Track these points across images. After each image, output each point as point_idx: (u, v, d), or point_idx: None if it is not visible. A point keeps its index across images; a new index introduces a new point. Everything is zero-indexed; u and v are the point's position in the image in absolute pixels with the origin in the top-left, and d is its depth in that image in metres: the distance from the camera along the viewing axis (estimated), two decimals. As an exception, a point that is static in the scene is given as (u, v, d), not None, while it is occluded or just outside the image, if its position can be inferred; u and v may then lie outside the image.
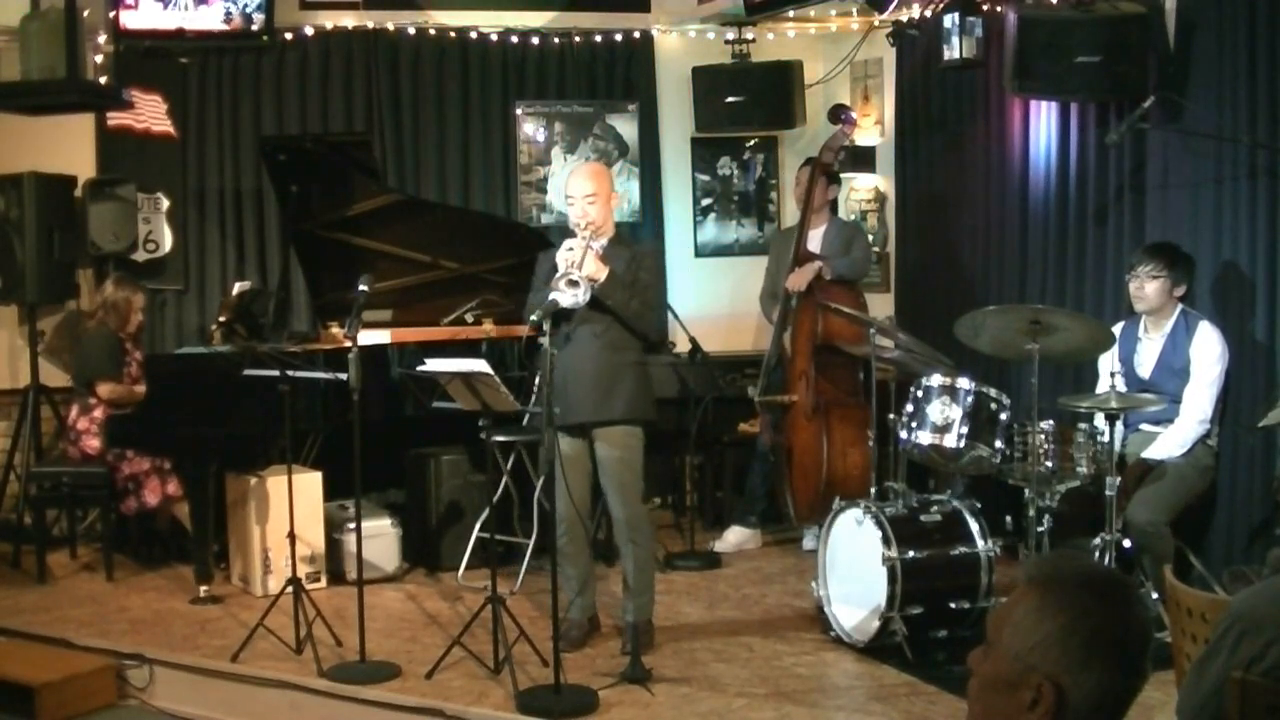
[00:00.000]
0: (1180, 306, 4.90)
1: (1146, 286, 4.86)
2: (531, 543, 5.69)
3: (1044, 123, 5.85)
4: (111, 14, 6.41)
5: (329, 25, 7.02)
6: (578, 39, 7.33)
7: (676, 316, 6.70)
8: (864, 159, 7.22)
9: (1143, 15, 5.13)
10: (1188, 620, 3.05)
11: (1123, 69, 5.10)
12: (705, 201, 7.70)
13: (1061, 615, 1.64)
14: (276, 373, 4.86)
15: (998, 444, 4.76)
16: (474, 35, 7.19)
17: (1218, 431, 4.89)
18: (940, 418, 4.79)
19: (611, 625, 4.96)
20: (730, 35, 7.30)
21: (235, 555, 5.80)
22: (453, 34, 7.16)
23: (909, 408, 4.89)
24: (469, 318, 6.10)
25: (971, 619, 4.69)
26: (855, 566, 4.73)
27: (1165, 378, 4.87)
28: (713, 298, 7.49)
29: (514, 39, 7.24)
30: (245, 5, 6.55)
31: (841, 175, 6.59)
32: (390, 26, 7.08)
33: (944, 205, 6.64)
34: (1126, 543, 4.60)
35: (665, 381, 6.45)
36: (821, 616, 4.92)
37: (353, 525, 5.01)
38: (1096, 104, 5.48)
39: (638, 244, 5.13)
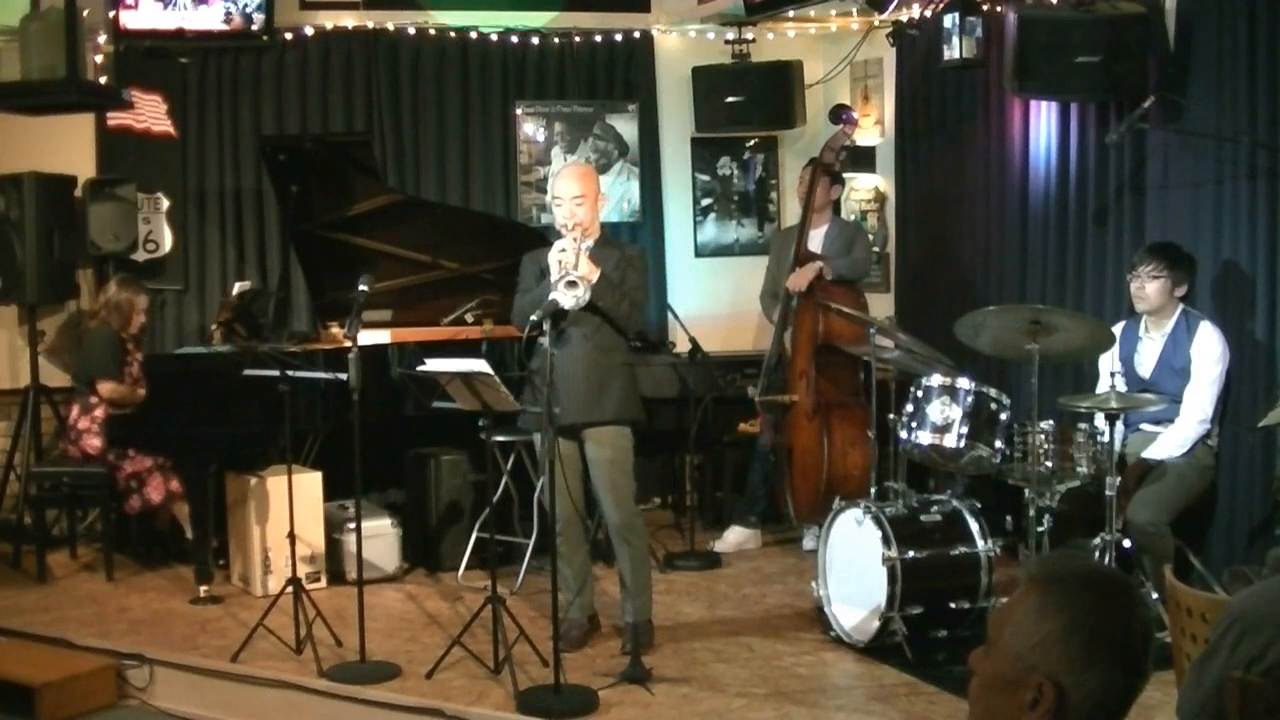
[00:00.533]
0: (1181, 306, 4.90)
1: (1147, 286, 4.86)
2: (531, 543, 5.70)
3: (1044, 123, 5.85)
4: (111, 14, 6.41)
5: (329, 25, 7.02)
6: (578, 39, 7.33)
7: (676, 316, 6.71)
8: (864, 159, 7.22)
9: (1143, 15, 5.13)
10: (1188, 620, 3.05)
11: (1123, 69, 5.10)
12: (705, 201, 7.70)
13: (1062, 615, 1.64)
14: (276, 373, 4.86)
15: (998, 444, 4.76)
16: (474, 35, 7.19)
17: (1218, 431, 4.89)
18: (940, 418, 4.79)
19: (611, 625, 4.96)
20: (730, 35, 7.30)
21: (235, 555, 5.81)
22: (453, 34, 7.16)
23: (909, 408, 4.89)
24: (469, 318, 6.09)
25: (971, 619, 4.69)
26: (855, 566, 4.73)
27: (1166, 378, 4.87)
28: (713, 298, 7.49)
29: (514, 39, 7.24)
30: (245, 5, 6.54)
31: (843, 175, 6.58)
32: (390, 26, 7.08)
33: (944, 205, 6.64)
34: (1126, 543, 4.60)
35: (665, 381, 6.46)
36: (821, 616, 4.92)
37: (353, 525, 5.01)
38: (1096, 104, 5.48)
39: (624, 245, 5.14)
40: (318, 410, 5.55)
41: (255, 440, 5.64)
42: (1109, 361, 4.87)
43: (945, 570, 4.68)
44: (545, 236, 5.32)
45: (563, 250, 4.49)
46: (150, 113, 6.75)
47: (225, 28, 6.56)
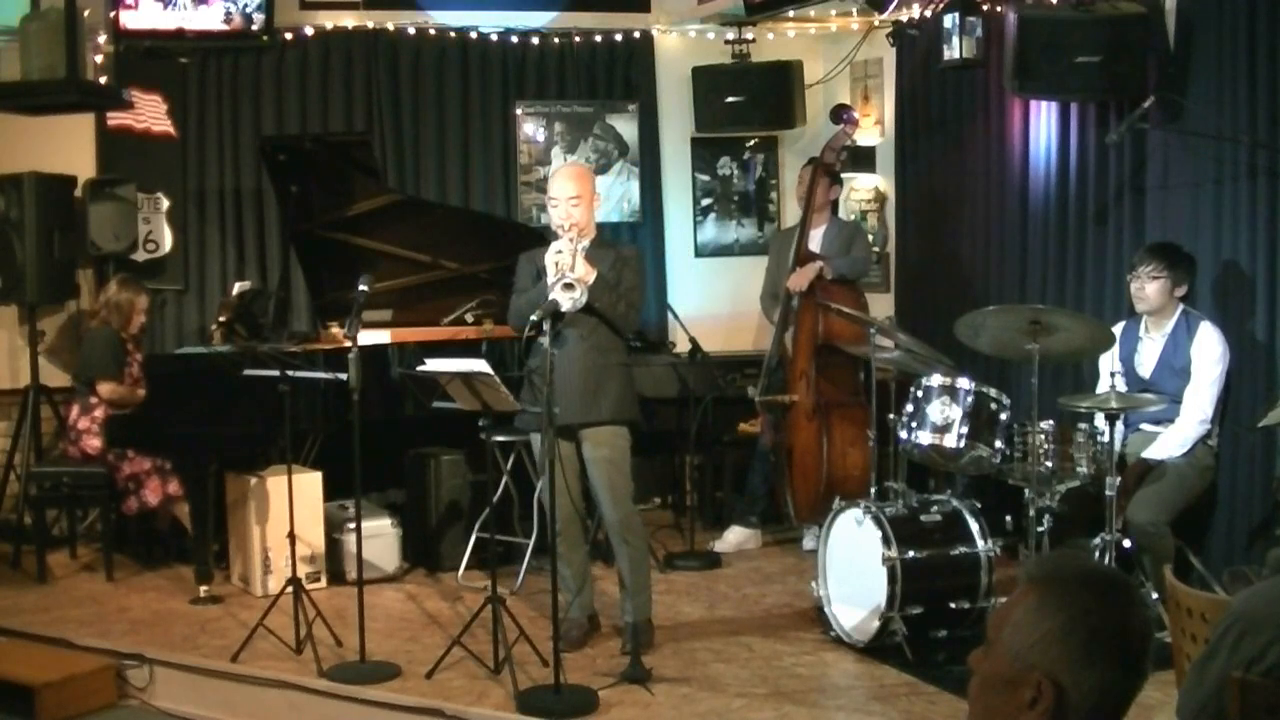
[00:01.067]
0: (1181, 307, 4.90)
1: (1147, 287, 4.86)
2: (531, 543, 5.70)
3: (1044, 123, 5.85)
4: (111, 14, 6.41)
5: (329, 25, 7.02)
6: (578, 39, 7.33)
7: (676, 316, 6.71)
8: (864, 159, 7.22)
9: (1143, 15, 5.13)
10: (1188, 620, 3.05)
11: (1123, 69, 5.10)
12: (705, 201, 7.70)
13: (1061, 613, 1.64)
14: (276, 373, 4.86)
15: (998, 444, 4.76)
16: (474, 35, 7.19)
17: (1218, 431, 4.89)
18: (940, 418, 4.79)
19: (611, 625, 4.96)
20: (730, 35, 7.30)
21: (235, 555, 5.81)
22: (453, 34, 7.16)
23: (909, 408, 4.89)
24: (469, 318, 6.09)
25: (971, 619, 4.68)
26: (855, 566, 4.73)
27: (1166, 378, 4.87)
28: (713, 298, 7.49)
29: (514, 39, 7.24)
30: (245, 5, 6.55)
31: (842, 175, 6.59)
32: (390, 26, 7.08)
33: (944, 205, 6.64)
34: (1126, 543, 4.60)
35: (665, 381, 6.46)
36: (821, 616, 4.92)
37: (353, 525, 5.01)
38: (1096, 104, 5.48)
39: (620, 246, 5.15)
40: (318, 410, 5.55)
41: (255, 440, 5.63)
42: (1109, 361, 4.87)
43: (945, 570, 4.68)
44: (545, 236, 5.31)
45: (559, 251, 4.50)
46: (150, 113, 6.75)
47: (225, 28, 6.56)
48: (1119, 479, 4.61)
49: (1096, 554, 4.54)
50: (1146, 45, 5.12)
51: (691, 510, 6.52)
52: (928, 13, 6.36)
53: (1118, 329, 4.92)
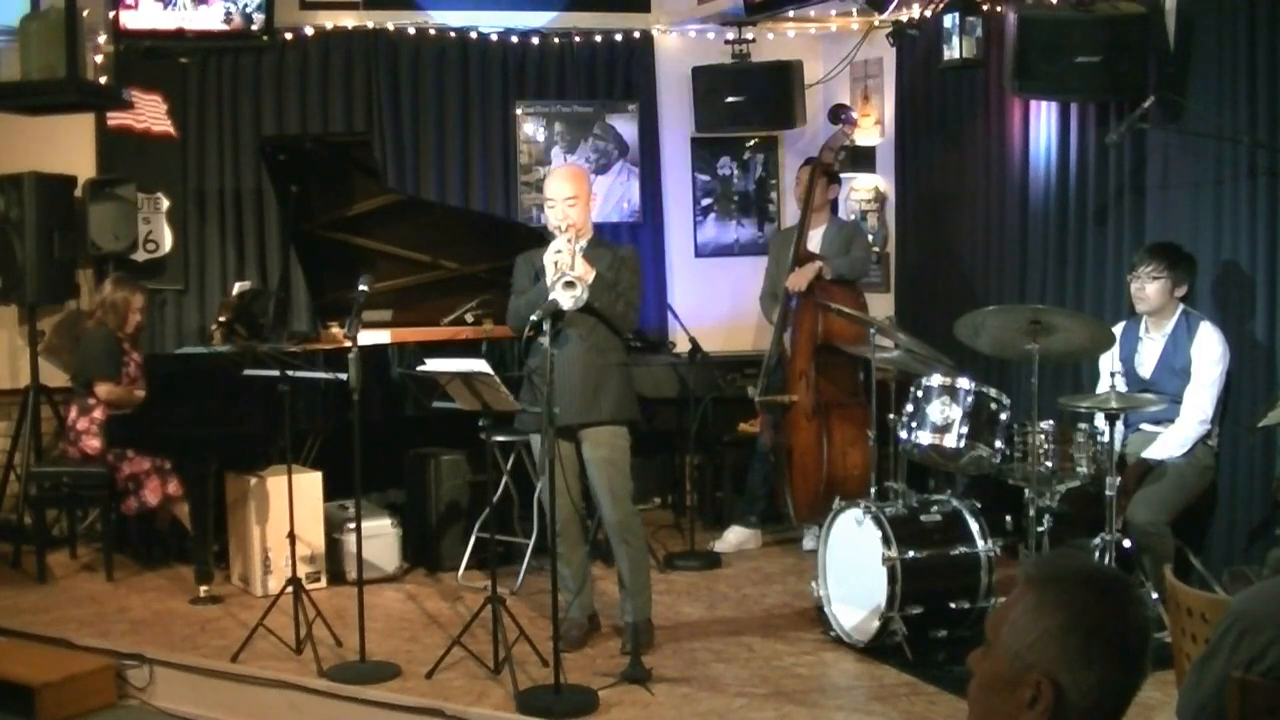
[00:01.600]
0: (1181, 307, 4.90)
1: (1147, 287, 4.86)
2: (531, 543, 5.70)
3: (1044, 123, 5.85)
4: (111, 14, 6.41)
5: (329, 25, 7.02)
6: (578, 39, 7.33)
7: (676, 316, 6.71)
8: (864, 159, 7.22)
9: (1143, 15, 5.13)
10: (1188, 620, 3.05)
11: (1123, 69, 5.10)
12: (705, 201, 7.69)
13: (1059, 613, 1.64)
14: (276, 373, 4.86)
15: (998, 444, 4.76)
16: (474, 35, 7.19)
17: (1218, 432, 4.89)
18: (940, 418, 4.79)
19: (611, 625, 4.96)
20: (730, 35, 7.30)
21: (235, 555, 5.80)
22: (453, 34, 7.16)
23: (909, 408, 4.89)
24: (469, 318, 6.10)
25: (971, 619, 4.68)
26: (855, 566, 4.73)
27: (1166, 378, 4.87)
28: (713, 298, 7.49)
29: (514, 39, 7.24)
30: (245, 5, 6.54)
31: (841, 175, 6.58)
32: (390, 26, 7.08)
33: (944, 205, 6.64)
34: (1126, 543, 4.60)
35: (665, 381, 6.46)
36: (821, 616, 4.92)
37: (353, 525, 5.01)
38: (1096, 104, 5.48)
39: (616, 246, 5.15)
40: (318, 410, 5.54)
41: (255, 440, 5.63)
42: (1109, 361, 4.87)
43: (945, 570, 4.68)
44: (545, 237, 5.31)
45: (558, 251, 4.50)
46: (150, 113, 6.75)
47: (225, 28, 6.56)
48: (1119, 479, 4.61)
49: (1096, 554, 4.54)
50: (1146, 45, 5.13)
51: (691, 510, 6.52)
52: (928, 13, 6.36)
53: (1118, 329, 4.92)
